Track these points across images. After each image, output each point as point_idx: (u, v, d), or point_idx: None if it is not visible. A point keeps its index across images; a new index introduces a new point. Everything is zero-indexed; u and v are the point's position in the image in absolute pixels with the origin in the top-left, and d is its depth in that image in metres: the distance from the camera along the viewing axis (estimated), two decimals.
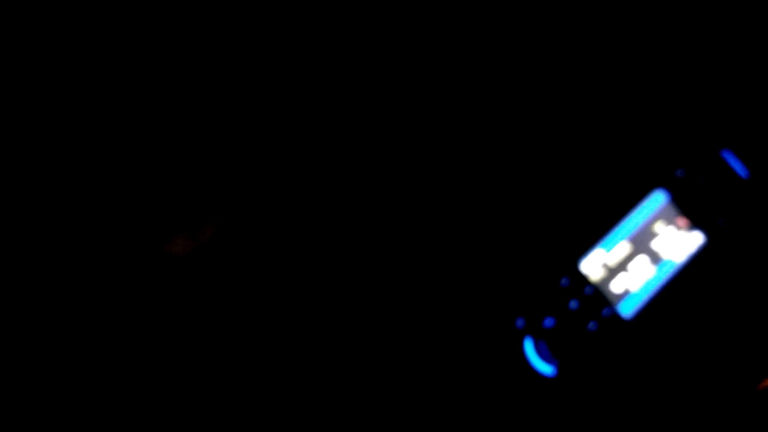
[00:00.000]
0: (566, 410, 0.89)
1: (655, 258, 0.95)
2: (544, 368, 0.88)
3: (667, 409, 0.91)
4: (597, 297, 0.91)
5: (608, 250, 0.93)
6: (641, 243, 0.95)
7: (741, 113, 1.03)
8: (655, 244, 0.95)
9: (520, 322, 0.88)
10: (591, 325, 0.90)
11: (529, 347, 0.88)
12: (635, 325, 0.92)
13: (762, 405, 0.88)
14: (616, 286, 0.92)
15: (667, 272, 0.95)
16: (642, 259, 0.94)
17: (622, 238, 0.94)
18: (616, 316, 0.91)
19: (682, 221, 0.97)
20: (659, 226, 0.96)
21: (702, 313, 0.96)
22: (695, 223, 0.98)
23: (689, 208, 0.98)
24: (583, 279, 0.91)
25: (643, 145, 0.98)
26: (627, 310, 0.92)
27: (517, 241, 0.92)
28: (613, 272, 0.93)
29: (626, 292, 0.93)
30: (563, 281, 0.91)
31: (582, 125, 0.99)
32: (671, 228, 0.97)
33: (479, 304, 0.88)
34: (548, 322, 0.89)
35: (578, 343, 0.89)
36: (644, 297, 0.93)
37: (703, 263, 0.98)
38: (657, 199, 0.97)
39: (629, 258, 0.94)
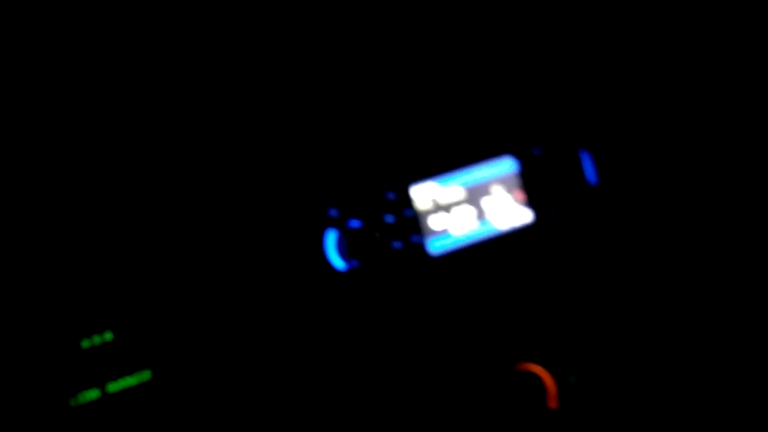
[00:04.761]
0: (350, 307, 0.94)
1: (482, 215, 1.00)
2: (337, 262, 0.92)
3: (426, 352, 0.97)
4: (412, 222, 0.96)
5: (442, 187, 0.97)
6: (474, 196, 1.00)
7: (615, 128, 1.09)
8: (486, 203, 1.00)
9: (332, 212, 0.91)
10: (396, 243, 0.95)
11: (330, 238, 0.91)
12: (434, 262, 0.97)
13: (515, 384, 0.96)
14: (434, 222, 0.97)
15: (485, 232, 1.01)
16: (469, 210, 0.99)
17: (459, 183, 0.98)
18: (421, 247, 0.96)
19: (520, 195, 1.03)
20: (497, 189, 1.01)
21: (498, 281, 1.03)
22: (530, 202, 1.04)
23: (531, 186, 1.03)
24: (407, 200, 0.95)
25: (511, 112, 1.02)
26: (435, 247, 0.97)
27: (365, 147, 0.95)
28: (437, 209, 0.97)
29: (441, 232, 0.97)
30: (389, 194, 0.94)
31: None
32: (508, 196, 1.02)
33: (302, 185, 0.90)
34: (356, 223, 0.92)
35: (377, 255, 0.93)
36: (456, 243, 0.98)
37: (520, 240, 1.04)
38: (506, 164, 1.02)
39: (458, 204, 0.98)
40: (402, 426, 0.94)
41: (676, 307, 1.06)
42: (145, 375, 0.84)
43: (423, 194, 0.96)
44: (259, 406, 0.89)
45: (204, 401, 0.87)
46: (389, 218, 0.94)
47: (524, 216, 1.03)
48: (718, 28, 1.04)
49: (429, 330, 0.99)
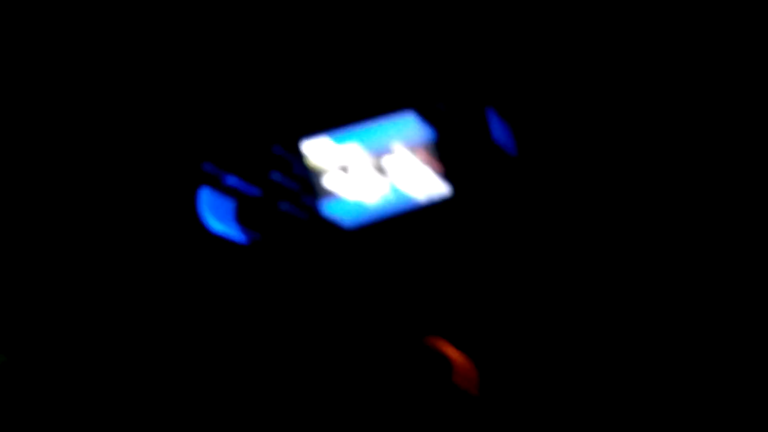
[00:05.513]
0: (250, 270, 0.82)
1: (390, 180, 0.90)
2: (213, 223, 0.80)
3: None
4: (304, 182, 0.85)
5: (338, 143, 0.87)
6: (377, 155, 0.90)
7: (530, 94, 1.02)
8: (390, 165, 0.91)
9: (208, 167, 0.81)
10: (284, 205, 0.84)
11: (205, 196, 0.80)
12: (340, 231, 0.87)
13: (421, 356, 0.85)
14: (330, 182, 0.87)
15: (396, 200, 0.90)
16: (374, 173, 0.89)
17: (358, 141, 0.89)
18: (314, 210, 0.85)
19: (430, 160, 0.93)
20: (399, 148, 0.91)
21: (408, 252, 0.93)
22: (447, 175, 0.94)
23: (447, 156, 0.94)
24: (299, 156, 0.85)
25: (416, 66, 0.94)
26: (335, 211, 0.87)
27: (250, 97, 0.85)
28: (335, 169, 0.87)
29: (343, 193, 0.87)
30: (276, 148, 0.84)
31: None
32: (414, 158, 0.92)
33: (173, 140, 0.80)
34: (233, 180, 0.81)
35: (261, 216, 0.82)
36: (367, 211, 0.88)
37: (434, 212, 0.94)
38: (408, 122, 0.93)
39: (358, 164, 0.89)
40: (311, 404, 0.81)
41: (597, 285, 0.96)
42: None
43: (316, 151, 0.86)
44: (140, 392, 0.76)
45: (67, 383, 0.74)
46: (276, 176, 0.84)
47: (441, 188, 0.94)
48: None
49: (335, 303, 0.87)
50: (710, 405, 0.88)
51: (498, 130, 0.97)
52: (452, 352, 0.82)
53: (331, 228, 0.86)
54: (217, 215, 0.80)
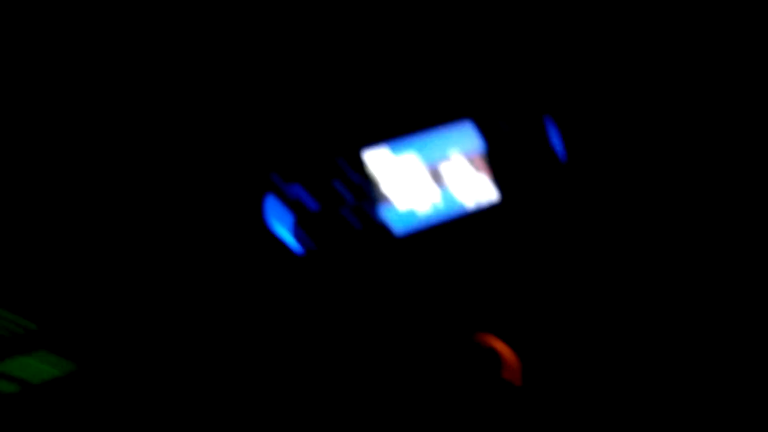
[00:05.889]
0: (306, 280, 0.88)
1: (443, 187, 0.93)
2: (279, 229, 0.85)
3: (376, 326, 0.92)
4: (365, 190, 0.89)
5: (396, 153, 0.90)
6: (433, 164, 0.92)
7: (583, 101, 1.02)
8: (446, 174, 0.93)
9: (274, 177, 0.84)
10: (341, 214, 0.88)
11: (270, 203, 0.84)
12: (398, 241, 0.91)
13: (471, 353, 0.91)
14: (389, 191, 0.90)
15: (449, 208, 0.94)
16: (428, 182, 0.92)
17: (415, 151, 0.91)
18: (369, 218, 0.89)
19: (486, 169, 0.96)
20: (456, 156, 0.94)
21: (460, 258, 0.97)
22: (496, 179, 0.97)
23: (498, 163, 0.96)
24: (360, 166, 0.88)
25: (473, 77, 0.95)
26: (392, 218, 0.90)
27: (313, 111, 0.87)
28: (391, 177, 0.90)
29: (397, 202, 0.91)
30: (340, 160, 0.87)
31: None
32: (469, 167, 0.95)
33: (244, 150, 0.83)
34: (298, 189, 0.85)
35: (323, 221, 0.87)
36: (417, 219, 0.92)
37: (484, 217, 0.98)
38: (465, 131, 0.94)
39: (415, 173, 0.92)
40: (365, 402, 0.89)
41: (643, 288, 1.00)
42: (69, 366, 0.78)
43: (375, 160, 0.89)
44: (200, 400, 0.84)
45: (136, 391, 0.81)
46: (338, 185, 0.87)
47: (490, 193, 0.97)
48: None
49: (391, 307, 0.93)
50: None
51: (554, 137, 0.99)
52: (500, 347, 0.89)
53: (384, 235, 0.90)
54: (280, 222, 0.85)
